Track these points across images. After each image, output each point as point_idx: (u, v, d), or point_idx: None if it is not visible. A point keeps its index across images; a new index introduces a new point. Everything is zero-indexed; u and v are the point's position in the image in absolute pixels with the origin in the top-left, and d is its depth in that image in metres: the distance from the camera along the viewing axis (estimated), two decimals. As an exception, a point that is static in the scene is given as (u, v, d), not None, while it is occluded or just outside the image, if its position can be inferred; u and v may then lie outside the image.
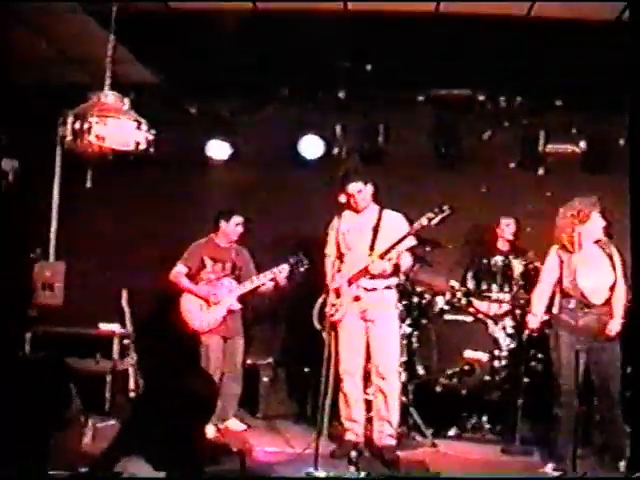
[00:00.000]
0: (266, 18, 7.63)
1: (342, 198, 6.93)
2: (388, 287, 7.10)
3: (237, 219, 8.10)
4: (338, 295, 6.93)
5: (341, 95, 9.51)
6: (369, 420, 7.23)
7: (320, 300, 7.30)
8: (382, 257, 6.90)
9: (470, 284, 8.51)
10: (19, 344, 8.20)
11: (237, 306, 7.93)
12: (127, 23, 6.71)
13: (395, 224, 7.11)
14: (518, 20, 7.20)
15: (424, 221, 6.85)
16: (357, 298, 6.99)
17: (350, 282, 6.99)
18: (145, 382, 8.10)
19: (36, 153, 9.20)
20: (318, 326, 7.27)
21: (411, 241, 7.01)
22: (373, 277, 6.96)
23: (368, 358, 7.09)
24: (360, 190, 7.09)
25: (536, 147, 9.11)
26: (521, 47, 7.67)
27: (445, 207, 6.82)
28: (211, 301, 7.88)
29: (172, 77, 9.58)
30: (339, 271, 6.94)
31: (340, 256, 6.96)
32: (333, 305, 6.87)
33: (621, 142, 8.57)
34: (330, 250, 7.29)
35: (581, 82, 8.12)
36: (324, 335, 6.79)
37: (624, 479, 6.28)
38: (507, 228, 8.66)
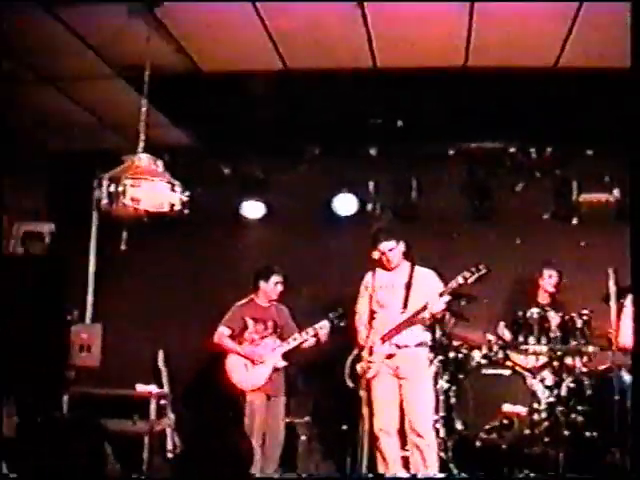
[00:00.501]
0: (296, 78, 7.71)
1: (375, 255, 6.95)
2: (420, 344, 7.09)
3: (276, 278, 8.16)
4: (370, 353, 6.91)
5: (373, 152, 9.56)
6: (408, 477, 7.15)
7: (351, 357, 7.30)
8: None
9: (507, 337, 8.42)
10: (57, 405, 8.22)
11: (282, 364, 7.98)
12: (160, 87, 6.83)
13: (427, 281, 7.14)
14: (546, 71, 7.23)
15: (460, 280, 6.90)
16: (390, 356, 6.99)
17: (383, 340, 6.98)
18: (183, 443, 8.11)
19: (73, 216, 9.32)
20: (350, 384, 7.26)
21: (440, 306, 7.03)
22: (404, 334, 6.96)
23: (403, 415, 7.03)
24: (392, 248, 7.12)
25: (569, 197, 9.10)
26: (550, 98, 7.71)
27: (481, 266, 6.90)
28: (256, 360, 7.93)
29: (206, 139, 9.71)
30: (371, 328, 6.92)
31: (372, 313, 6.94)
32: (367, 362, 6.86)
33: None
34: (361, 307, 7.29)
35: (612, 130, 8.11)
36: (360, 393, 6.75)
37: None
38: (549, 279, 8.59)
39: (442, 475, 7.08)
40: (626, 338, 6.67)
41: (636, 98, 3.78)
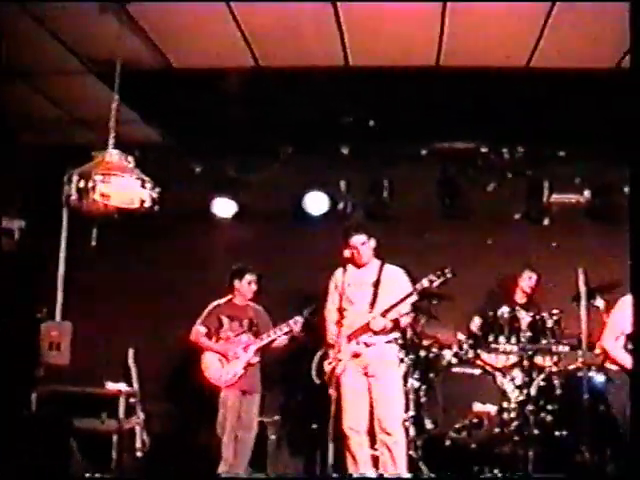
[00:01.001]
0: (268, 76, 7.69)
1: (346, 252, 6.95)
2: (389, 342, 7.10)
3: (249, 277, 8.22)
4: (338, 350, 6.90)
5: (345, 151, 9.56)
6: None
7: (319, 354, 7.32)
8: (384, 315, 6.93)
9: (477, 335, 8.45)
10: (25, 403, 8.15)
11: (255, 359, 8.02)
12: (131, 83, 6.78)
13: (395, 279, 7.17)
14: (518, 71, 7.25)
15: (425, 283, 6.96)
16: (357, 355, 7.00)
17: (350, 339, 6.98)
18: (153, 441, 8.08)
19: (42, 213, 9.24)
20: (317, 380, 7.29)
21: (412, 298, 7.03)
22: (374, 332, 6.97)
23: (372, 414, 7.02)
24: (364, 242, 7.14)
25: (541, 198, 9.14)
26: (522, 98, 7.74)
27: (447, 271, 6.95)
28: (230, 356, 7.96)
29: (176, 136, 9.66)
30: (340, 326, 6.91)
31: (341, 310, 6.94)
32: (334, 359, 6.86)
33: (626, 190, 8.56)
34: (329, 304, 7.29)
35: (583, 131, 8.16)
36: (329, 391, 6.74)
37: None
38: (529, 281, 8.65)
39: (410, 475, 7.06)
40: (607, 341, 6.71)
41: (636, 99, 3.79)
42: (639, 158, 3.79)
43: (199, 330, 8.11)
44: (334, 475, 6.62)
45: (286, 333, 7.97)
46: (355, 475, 7.04)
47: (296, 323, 7.89)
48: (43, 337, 8.91)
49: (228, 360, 7.96)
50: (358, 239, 7.14)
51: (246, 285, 8.20)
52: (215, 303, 8.24)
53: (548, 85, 7.40)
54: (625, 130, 3.89)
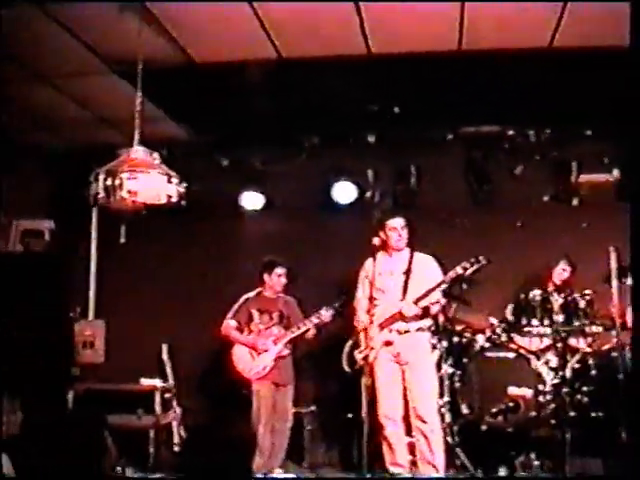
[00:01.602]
0: (291, 67, 7.68)
1: (376, 241, 6.94)
2: (421, 329, 7.09)
3: (279, 270, 8.24)
4: (369, 339, 6.90)
5: (371, 139, 9.55)
6: (414, 464, 7.12)
7: (349, 343, 7.32)
8: (416, 303, 6.93)
9: (510, 319, 8.39)
10: (61, 402, 8.22)
11: (285, 352, 8.04)
12: (155, 80, 6.80)
13: (426, 267, 7.18)
14: (541, 52, 7.19)
15: (459, 270, 7.00)
16: (389, 343, 7.01)
17: (382, 327, 6.98)
18: (189, 435, 8.12)
19: (72, 213, 9.30)
20: (348, 369, 7.29)
21: (444, 285, 7.02)
22: (405, 320, 6.96)
23: (407, 402, 7.02)
24: (403, 226, 7.14)
25: (569, 178, 9.07)
26: (546, 79, 7.66)
27: (481, 258, 6.96)
28: (259, 349, 7.99)
29: (202, 131, 9.69)
30: (371, 314, 6.90)
31: (372, 299, 6.93)
32: (366, 348, 6.87)
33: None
34: (360, 293, 7.30)
35: (609, 109, 8.08)
36: (363, 380, 6.74)
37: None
38: (562, 272, 8.52)
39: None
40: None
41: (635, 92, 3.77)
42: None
43: (229, 324, 8.14)
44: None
45: (316, 325, 7.99)
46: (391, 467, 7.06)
47: (325, 314, 7.92)
48: (77, 336, 8.99)
49: (258, 353, 7.99)
50: (398, 221, 7.19)
51: (276, 278, 8.22)
52: (245, 296, 8.26)
53: (572, 64, 7.31)
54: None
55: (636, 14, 4.67)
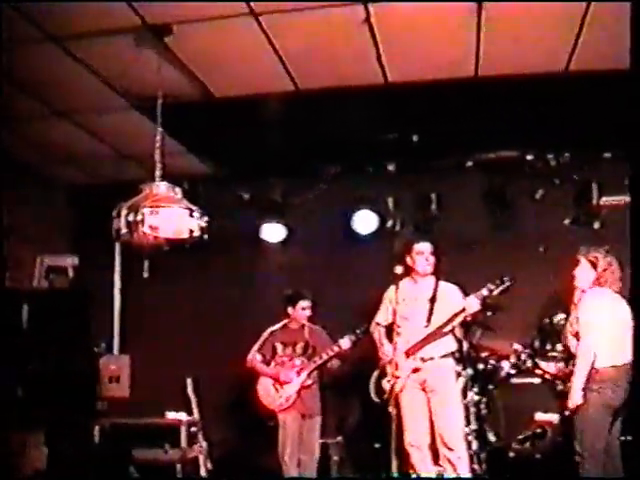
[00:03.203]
0: (309, 98, 7.74)
1: (398, 270, 6.94)
2: (445, 355, 7.04)
3: (303, 303, 8.23)
4: (395, 367, 6.88)
5: (390, 168, 9.57)
6: (441, 492, 7.08)
7: (376, 373, 7.29)
8: (442, 328, 6.91)
9: (535, 345, 8.35)
10: (87, 437, 8.24)
11: (309, 382, 8.02)
12: (174, 115, 6.88)
13: (451, 296, 7.11)
14: (558, 75, 7.20)
15: (485, 292, 6.90)
16: (416, 370, 6.94)
17: (408, 354, 6.94)
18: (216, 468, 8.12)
19: (96, 249, 9.35)
20: (376, 399, 7.25)
21: (476, 306, 6.96)
22: (429, 346, 6.95)
23: (433, 429, 6.96)
24: (432, 250, 7.13)
25: (589, 201, 9.05)
26: (564, 102, 7.67)
27: (506, 278, 6.91)
28: (283, 380, 8.00)
29: (223, 164, 9.76)
30: (396, 343, 6.89)
31: (394, 326, 6.91)
32: (393, 377, 6.85)
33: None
34: (381, 318, 7.28)
35: (628, 131, 8.07)
36: (389, 409, 6.72)
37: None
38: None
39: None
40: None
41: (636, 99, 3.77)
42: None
43: (255, 357, 8.18)
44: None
45: (337, 354, 7.98)
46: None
47: (344, 344, 7.91)
48: (102, 371, 9.01)
49: (281, 384, 8.00)
50: (426, 246, 7.18)
51: (300, 311, 8.21)
52: (270, 330, 8.28)
53: (589, 87, 7.33)
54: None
55: (636, 14, 4.67)
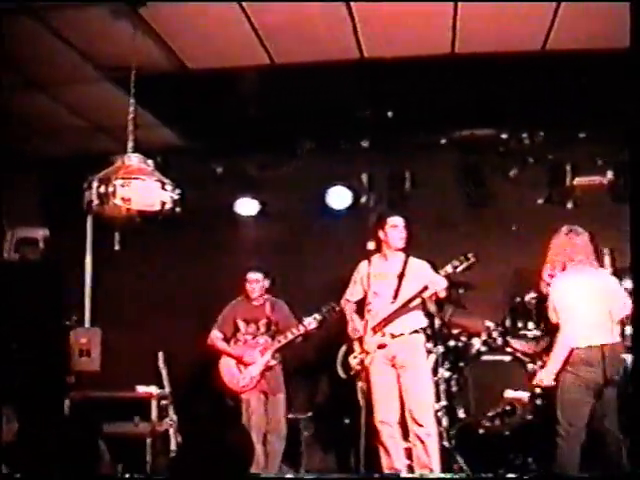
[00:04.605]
0: (284, 72, 7.68)
1: (370, 245, 6.95)
2: (415, 332, 7.06)
3: (252, 275, 8.18)
4: (362, 343, 6.89)
5: (365, 144, 9.55)
6: (411, 468, 7.10)
7: (343, 349, 7.31)
8: (407, 304, 6.92)
9: (506, 323, 8.39)
10: (58, 410, 8.20)
11: (273, 362, 7.98)
12: (148, 87, 6.79)
13: (419, 272, 7.12)
14: (534, 55, 7.19)
15: (449, 269, 6.93)
16: (382, 346, 6.95)
17: (375, 330, 6.95)
18: (183, 442, 8.08)
19: (65, 221, 9.28)
20: (343, 375, 7.28)
21: (443, 283, 6.97)
22: (398, 322, 6.95)
23: (403, 405, 6.99)
24: (405, 225, 7.12)
25: (563, 181, 9.08)
26: (540, 82, 7.68)
27: (470, 255, 6.92)
28: (246, 361, 7.96)
29: (196, 137, 9.68)
30: (365, 318, 6.89)
31: (366, 302, 6.92)
32: (361, 352, 6.86)
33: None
34: (351, 295, 7.28)
35: (602, 112, 8.10)
36: (359, 384, 6.74)
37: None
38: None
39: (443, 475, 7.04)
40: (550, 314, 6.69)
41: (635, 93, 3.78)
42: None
43: (216, 335, 8.17)
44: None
45: (301, 334, 7.91)
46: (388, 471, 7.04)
47: (310, 324, 7.84)
48: (73, 344, 8.95)
49: (245, 365, 7.97)
50: (400, 220, 7.17)
51: (249, 286, 8.17)
52: (229, 305, 8.28)
53: (564, 67, 7.33)
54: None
55: (636, 14, 4.67)
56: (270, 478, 7.51)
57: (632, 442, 5.96)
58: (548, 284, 6.71)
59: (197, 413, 8.36)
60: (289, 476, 7.39)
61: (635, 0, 4.79)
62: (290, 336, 7.93)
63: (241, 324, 8.15)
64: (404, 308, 6.96)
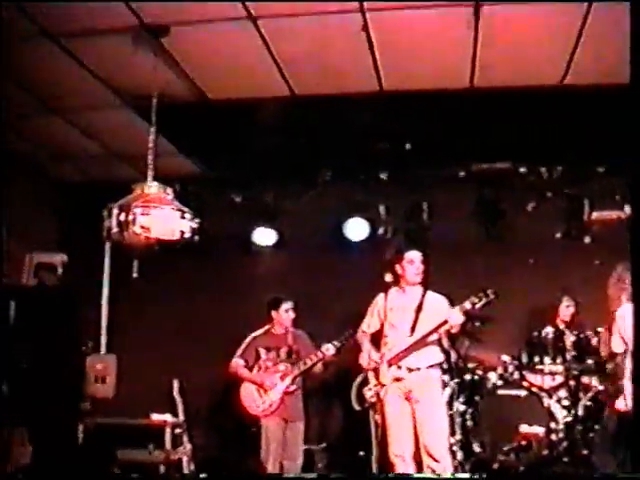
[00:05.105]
0: (304, 104, 7.74)
1: (388, 277, 6.93)
2: (431, 366, 7.01)
3: (286, 305, 8.23)
4: (378, 376, 6.87)
5: (383, 176, 9.59)
6: (425, 502, 7.06)
7: (358, 380, 7.28)
8: (425, 338, 6.91)
9: (522, 357, 8.36)
10: (72, 436, 8.20)
11: (293, 387, 7.99)
12: (168, 116, 6.87)
13: (437, 307, 7.08)
14: (552, 89, 7.23)
15: (467, 305, 6.87)
16: (398, 379, 6.91)
17: (390, 363, 6.92)
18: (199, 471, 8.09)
19: (84, 247, 9.31)
20: (357, 407, 7.26)
21: (457, 320, 6.94)
22: (415, 356, 6.92)
23: (417, 440, 6.90)
24: (422, 259, 7.12)
25: (581, 216, 9.08)
26: (558, 116, 7.69)
27: (490, 291, 6.87)
28: (266, 386, 7.97)
29: (216, 167, 9.75)
30: (382, 351, 6.88)
31: (382, 335, 6.89)
32: (376, 385, 6.84)
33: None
34: (367, 326, 7.26)
35: (621, 146, 8.09)
36: (374, 417, 6.71)
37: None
38: (567, 309, 8.48)
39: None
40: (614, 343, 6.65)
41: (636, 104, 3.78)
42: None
43: (238, 363, 8.16)
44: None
45: (320, 360, 7.95)
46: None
47: (328, 350, 7.87)
48: (89, 370, 8.95)
49: (265, 390, 7.98)
50: (416, 255, 7.14)
51: (284, 314, 8.20)
52: (253, 335, 8.28)
53: (583, 102, 7.36)
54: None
55: (636, 14, 4.68)
56: (271, 478, 7.48)
57: (633, 445, 5.93)
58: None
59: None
60: (290, 476, 7.34)
61: (635, 0, 4.80)
62: (309, 362, 7.97)
63: (262, 351, 8.17)
64: (421, 342, 6.93)
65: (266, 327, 8.30)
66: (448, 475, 6.82)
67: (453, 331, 7.04)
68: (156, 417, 8.52)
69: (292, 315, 8.23)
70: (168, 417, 8.49)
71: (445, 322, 6.87)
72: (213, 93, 7.62)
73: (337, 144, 8.70)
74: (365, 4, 5.99)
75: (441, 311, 7.03)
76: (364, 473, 7.78)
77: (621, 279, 6.62)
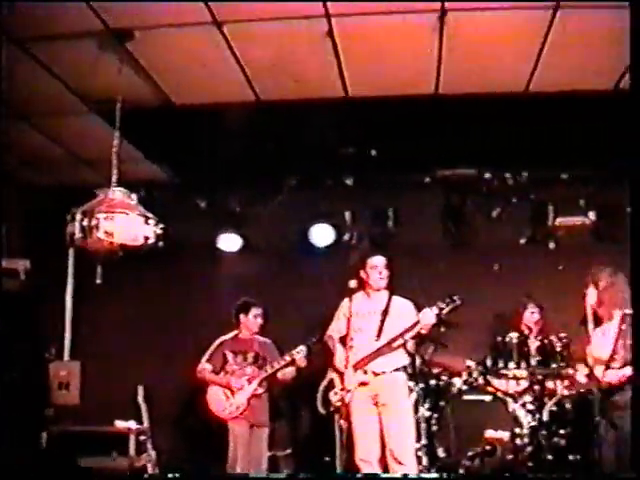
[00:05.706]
0: (269, 109, 7.73)
1: (352, 283, 6.92)
2: (397, 370, 7.03)
3: (255, 311, 8.27)
4: (343, 380, 6.86)
5: (348, 182, 9.60)
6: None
7: (324, 383, 7.28)
8: (391, 343, 6.90)
9: (487, 362, 8.39)
10: (36, 444, 8.12)
11: (260, 390, 8.01)
12: (133, 121, 6.82)
13: (403, 311, 7.12)
14: (517, 96, 7.27)
15: (435, 310, 6.92)
16: (364, 383, 6.91)
17: (356, 367, 6.92)
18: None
19: (47, 253, 9.23)
20: (323, 411, 7.25)
21: (430, 319, 6.96)
22: (380, 360, 6.93)
23: (384, 444, 6.93)
24: (387, 264, 7.13)
25: (546, 221, 9.15)
26: (522, 123, 7.75)
27: (456, 297, 6.94)
28: (234, 389, 7.98)
29: (180, 172, 9.70)
30: (347, 355, 6.88)
31: (347, 339, 6.90)
32: (341, 390, 6.84)
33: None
34: (334, 331, 7.26)
35: (585, 153, 8.18)
36: (340, 422, 6.70)
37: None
38: (531, 316, 8.51)
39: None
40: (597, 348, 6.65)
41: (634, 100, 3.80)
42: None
43: (205, 367, 8.16)
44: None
45: (288, 364, 7.95)
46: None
47: (298, 353, 7.88)
48: (52, 377, 8.88)
49: (233, 393, 7.98)
50: (380, 260, 7.18)
51: (252, 319, 8.25)
52: (220, 339, 8.28)
53: (548, 108, 7.40)
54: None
55: (636, 14, 4.71)
56: (263, 478, 7.46)
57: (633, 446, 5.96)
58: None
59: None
60: (284, 475, 7.33)
61: (635, 0, 4.83)
62: (277, 365, 7.98)
63: (229, 355, 8.17)
64: (388, 346, 6.94)
65: (234, 332, 8.31)
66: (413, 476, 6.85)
67: (423, 332, 7.06)
68: (120, 424, 8.45)
69: (260, 321, 8.26)
70: (132, 424, 8.43)
71: (417, 323, 6.90)
72: (178, 98, 7.58)
73: (302, 150, 8.70)
74: (330, 9, 5.97)
75: (408, 315, 7.06)
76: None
77: (615, 284, 6.56)
